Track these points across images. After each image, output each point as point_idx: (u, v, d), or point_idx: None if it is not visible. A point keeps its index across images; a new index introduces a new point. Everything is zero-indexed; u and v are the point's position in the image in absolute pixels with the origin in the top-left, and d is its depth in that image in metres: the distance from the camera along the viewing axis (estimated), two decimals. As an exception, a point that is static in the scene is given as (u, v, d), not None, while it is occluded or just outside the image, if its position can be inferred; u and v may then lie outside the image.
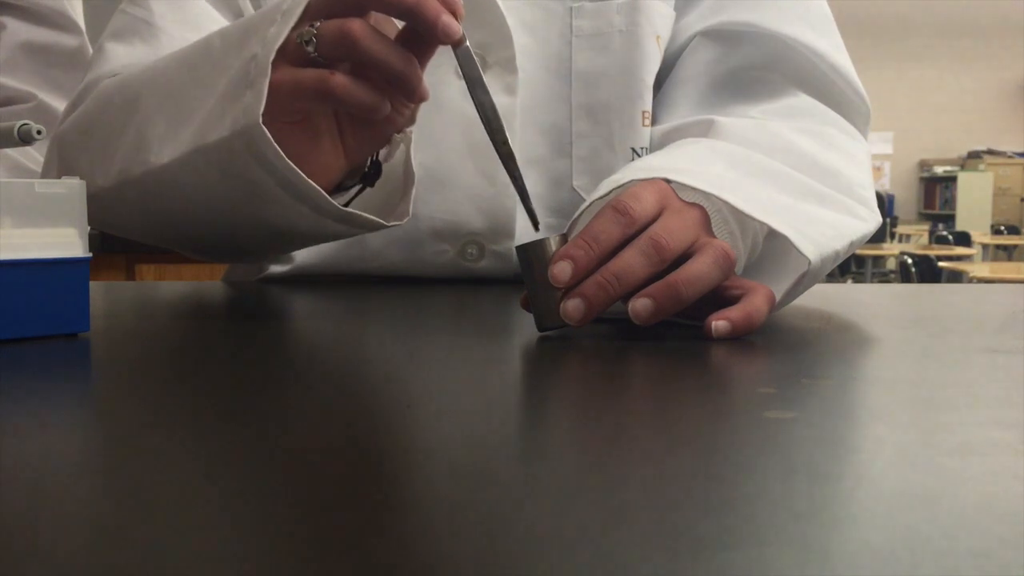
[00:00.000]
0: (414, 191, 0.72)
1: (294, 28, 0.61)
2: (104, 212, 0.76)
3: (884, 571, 0.22)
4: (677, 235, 0.56)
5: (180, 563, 0.23)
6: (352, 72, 0.61)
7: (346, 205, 0.70)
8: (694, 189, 0.60)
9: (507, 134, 0.60)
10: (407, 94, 0.63)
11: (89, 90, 0.79)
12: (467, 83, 0.61)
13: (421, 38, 0.61)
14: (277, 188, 0.65)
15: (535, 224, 0.61)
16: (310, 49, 0.60)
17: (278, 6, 0.64)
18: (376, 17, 0.62)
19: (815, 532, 0.25)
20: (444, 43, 0.60)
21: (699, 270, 0.55)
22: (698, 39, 0.87)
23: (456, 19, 0.60)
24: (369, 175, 0.71)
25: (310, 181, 0.64)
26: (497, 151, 0.60)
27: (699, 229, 0.58)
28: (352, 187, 0.71)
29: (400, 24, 0.63)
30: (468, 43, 0.61)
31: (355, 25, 0.60)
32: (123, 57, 0.80)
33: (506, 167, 0.61)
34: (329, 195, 0.67)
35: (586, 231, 0.56)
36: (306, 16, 0.62)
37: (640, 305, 0.54)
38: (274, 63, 0.61)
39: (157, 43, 0.81)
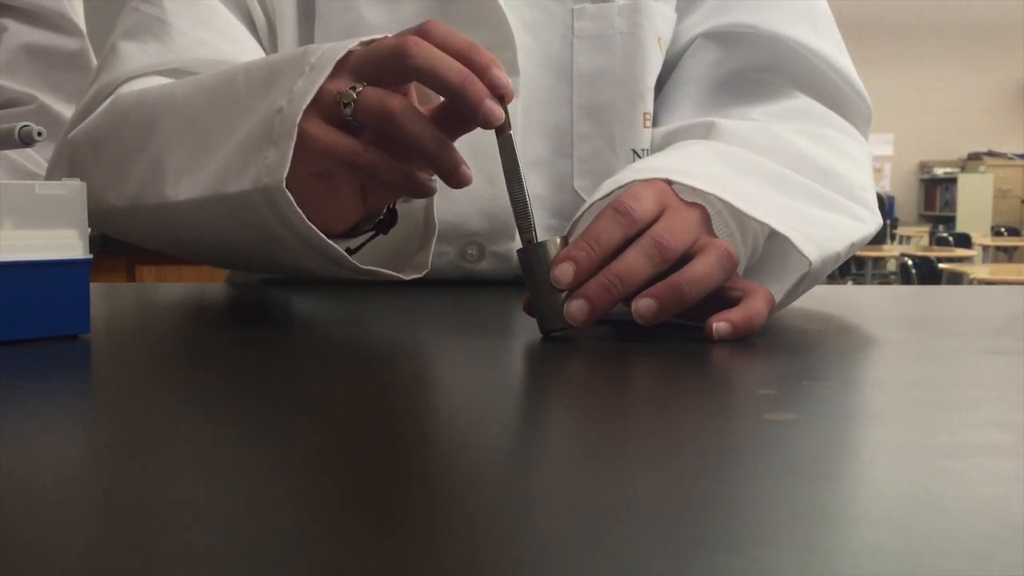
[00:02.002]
0: (434, 241, 0.70)
1: (333, 81, 0.60)
2: (115, 227, 0.76)
3: (884, 572, 0.22)
4: (679, 235, 0.56)
5: (180, 564, 0.23)
6: (386, 141, 0.60)
7: (358, 248, 0.69)
8: (694, 189, 0.60)
9: (534, 232, 0.57)
10: (442, 177, 0.60)
11: (102, 93, 0.78)
12: (504, 172, 0.57)
13: (461, 116, 0.59)
14: (297, 243, 0.64)
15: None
16: (347, 112, 0.59)
17: (306, 55, 0.62)
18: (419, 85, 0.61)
19: (815, 533, 0.25)
20: (485, 128, 0.57)
21: (702, 270, 0.55)
22: (699, 41, 0.87)
23: (506, 101, 0.58)
24: (384, 223, 0.69)
25: (332, 243, 0.63)
26: (523, 244, 0.57)
27: (700, 229, 0.58)
28: (365, 231, 0.69)
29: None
30: (511, 132, 0.58)
31: (395, 103, 0.58)
32: (138, 57, 0.80)
33: (527, 241, 0.58)
34: (342, 237, 0.67)
35: (587, 232, 0.56)
36: (345, 69, 0.60)
37: (643, 305, 0.54)
38: (307, 114, 0.59)
39: (171, 41, 0.80)
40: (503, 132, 0.57)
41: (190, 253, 0.81)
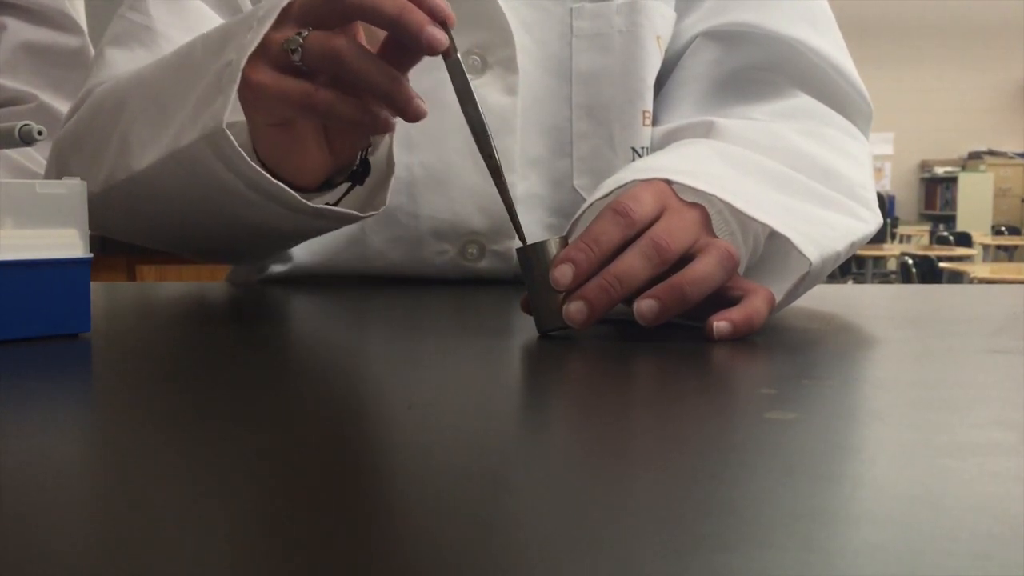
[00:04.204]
0: (392, 182, 0.72)
1: (280, 31, 0.61)
2: (96, 217, 0.77)
3: (885, 572, 0.22)
4: (678, 236, 0.56)
5: (180, 564, 0.23)
6: (338, 83, 0.61)
7: (336, 203, 0.71)
8: (694, 190, 0.60)
9: (494, 148, 0.59)
10: (396, 111, 0.61)
11: (87, 97, 0.80)
12: (457, 95, 0.59)
13: (407, 47, 0.60)
14: (247, 190, 0.66)
15: (522, 238, 0.60)
16: (295, 58, 0.60)
17: (255, 11, 0.64)
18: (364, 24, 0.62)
19: (815, 533, 0.25)
20: (430, 55, 0.59)
21: (704, 270, 0.55)
22: (700, 40, 0.87)
23: (448, 26, 0.59)
24: (358, 173, 0.71)
25: (276, 182, 0.65)
26: (486, 164, 0.59)
27: (699, 229, 0.58)
28: (341, 184, 0.71)
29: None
30: (459, 55, 0.59)
31: (340, 42, 0.59)
32: (123, 63, 0.81)
33: (494, 181, 0.60)
34: (318, 192, 0.69)
35: (586, 233, 0.56)
36: (290, 18, 0.62)
37: (646, 306, 0.54)
38: (257, 65, 0.61)
39: (157, 48, 0.81)
40: (449, 56, 0.59)
41: (160, 234, 0.82)
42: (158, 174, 0.68)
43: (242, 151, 0.63)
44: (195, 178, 0.67)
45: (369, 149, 0.71)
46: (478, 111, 0.59)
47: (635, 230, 0.56)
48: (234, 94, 0.61)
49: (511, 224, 0.70)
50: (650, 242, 0.55)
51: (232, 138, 0.62)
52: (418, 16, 0.58)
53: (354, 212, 0.71)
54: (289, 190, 0.66)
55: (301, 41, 0.60)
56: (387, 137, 0.72)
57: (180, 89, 0.67)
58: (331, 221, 0.71)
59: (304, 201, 0.67)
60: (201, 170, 0.65)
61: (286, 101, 0.61)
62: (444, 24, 0.58)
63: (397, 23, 0.58)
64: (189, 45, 0.70)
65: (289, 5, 0.62)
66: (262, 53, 0.61)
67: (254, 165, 0.64)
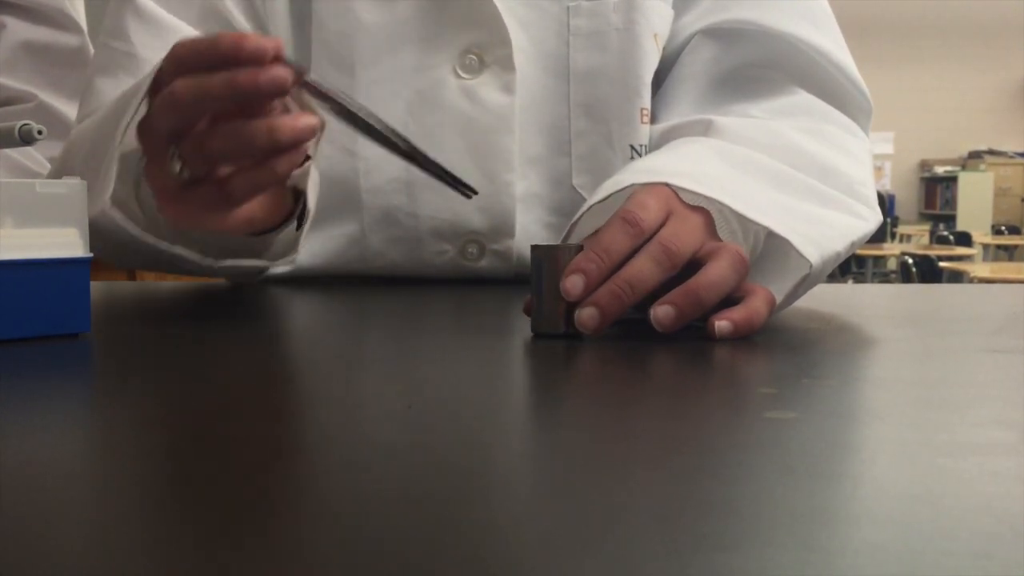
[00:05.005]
0: (306, 228, 0.75)
1: (156, 153, 0.62)
2: None
3: (885, 571, 0.22)
4: (685, 240, 0.57)
5: (180, 563, 0.23)
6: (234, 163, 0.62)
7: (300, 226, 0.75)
8: (697, 194, 0.60)
9: (399, 134, 0.62)
10: (303, 137, 0.61)
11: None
12: (330, 108, 0.61)
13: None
14: (157, 250, 0.71)
15: (472, 191, 0.63)
16: (186, 175, 0.61)
17: (130, 100, 0.65)
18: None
19: (816, 532, 0.25)
20: (281, 95, 0.59)
21: (718, 275, 0.55)
22: (698, 37, 0.87)
23: (280, 56, 0.57)
24: (300, 219, 0.74)
25: (173, 248, 0.72)
26: (400, 154, 0.62)
27: (705, 233, 0.59)
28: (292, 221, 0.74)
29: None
30: (310, 75, 0.59)
31: (206, 140, 0.60)
32: (111, 91, 0.81)
33: (416, 162, 0.63)
34: (275, 229, 0.73)
35: (596, 243, 0.56)
36: (154, 131, 0.61)
37: (662, 312, 0.54)
38: (168, 204, 0.63)
39: (142, 74, 0.81)
40: (300, 81, 0.59)
41: (140, 264, 0.88)
42: (98, 227, 0.69)
43: (130, 225, 0.69)
44: (118, 235, 0.70)
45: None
46: (363, 106, 0.61)
47: (644, 238, 0.56)
48: (111, 176, 0.65)
49: (508, 221, 0.70)
50: (659, 247, 0.56)
51: (117, 216, 0.68)
52: (245, 77, 0.57)
53: (261, 263, 0.77)
54: (187, 254, 0.73)
55: (177, 156, 0.61)
56: (308, 188, 0.72)
57: (97, 149, 0.69)
58: (247, 274, 0.78)
59: (207, 261, 0.75)
60: (115, 236, 0.70)
61: (208, 211, 0.63)
62: (277, 59, 0.57)
63: (234, 94, 0.57)
64: (115, 101, 0.71)
65: (152, 117, 0.61)
66: (162, 192, 0.63)
67: (148, 235, 0.70)
